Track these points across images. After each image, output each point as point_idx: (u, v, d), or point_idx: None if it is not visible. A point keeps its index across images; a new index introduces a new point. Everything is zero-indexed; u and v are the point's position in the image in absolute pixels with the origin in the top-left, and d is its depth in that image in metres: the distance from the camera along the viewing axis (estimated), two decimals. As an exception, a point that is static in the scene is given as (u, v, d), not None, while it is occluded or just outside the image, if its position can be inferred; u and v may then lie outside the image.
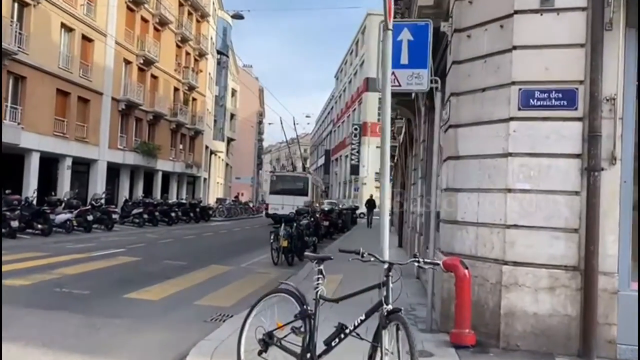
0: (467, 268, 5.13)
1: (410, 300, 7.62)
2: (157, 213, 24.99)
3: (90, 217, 19.40)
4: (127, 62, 31.31)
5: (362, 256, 3.81)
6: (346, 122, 68.99)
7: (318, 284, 4.00)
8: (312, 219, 16.29)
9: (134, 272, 9.85)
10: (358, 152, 58.29)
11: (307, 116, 64.70)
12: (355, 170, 58.49)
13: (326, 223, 20.58)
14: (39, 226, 17.05)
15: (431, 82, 6.03)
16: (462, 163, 5.62)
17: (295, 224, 13.14)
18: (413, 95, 9.75)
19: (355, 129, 58.69)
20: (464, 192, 5.57)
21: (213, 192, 52.30)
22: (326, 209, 22.09)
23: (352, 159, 59.23)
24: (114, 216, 20.99)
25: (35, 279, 8.36)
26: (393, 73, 5.78)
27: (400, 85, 5.88)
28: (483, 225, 5.34)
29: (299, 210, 17.67)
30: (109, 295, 7.64)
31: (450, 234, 5.71)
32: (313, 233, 15.89)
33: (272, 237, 12.25)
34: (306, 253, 5.07)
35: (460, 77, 5.71)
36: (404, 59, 5.82)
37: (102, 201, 21.93)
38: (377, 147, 58.40)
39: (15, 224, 15.53)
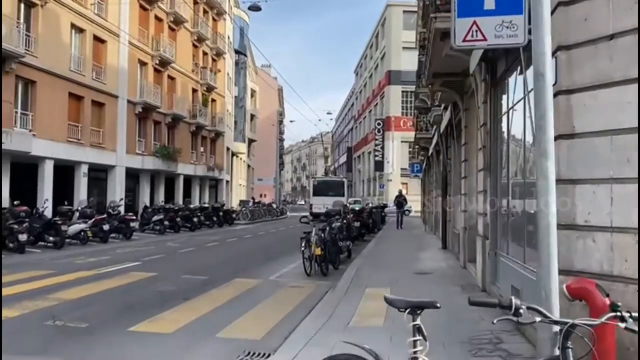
0: (607, 295, 3.50)
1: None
2: (178, 219, 23.73)
3: (106, 227, 18.15)
4: (142, 63, 30.15)
5: (516, 312, 2.06)
6: (368, 118, 67.18)
7: (415, 352, 2.35)
8: (344, 221, 14.74)
9: (146, 293, 8.41)
10: (382, 147, 56.42)
11: (328, 113, 63.26)
12: (379, 166, 56.67)
13: (357, 224, 19.01)
14: (51, 239, 15.89)
15: (529, 32, 4.38)
16: (582, 143, 3.97)
17: (327, 228, 11.60)
18: (472, 69, 8.08)
19: (378, 124, 56.84)
20: (587, 183, 3.93)
21: (236, 195, 51.12)
22: (357, 208, 20.49)
23: (375, 155, 57.39)
24: (132, 224, 19.74)
25: (26, 308, 6.98)
26: (474, 23, 4.16)
27: (485, 40, 4.23)
28: (621, 231, 3.70)
29: (328, 212, 16.12)
30: (112, 328, 6.20)
31: (567, 243, 4.06)
32: (347, 236, 14.36)
33: (302, 244, 10.72)
34: (388, 296, 2.69)
35: (571, 22, 4.07)
36: (490, 3, 4.18)
37: (120, 209, 20.74)
38: (402, 141, 57.01)
39: (23, 237, 14.33)
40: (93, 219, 18.12)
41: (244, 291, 8.80)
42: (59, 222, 15.90)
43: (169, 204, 25.65)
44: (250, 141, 62.44)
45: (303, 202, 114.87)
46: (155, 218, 22.65)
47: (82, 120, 24.57)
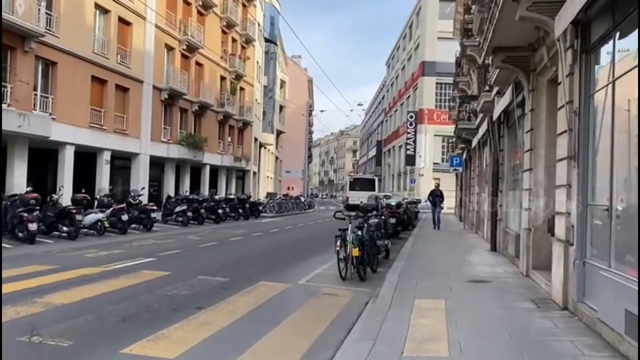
0: None
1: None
2: (202, 210, 22.56)
3: (125, 217, 17.04)
4: (170, 48, 29.11)
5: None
6: (399, 111, 65.19)
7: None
8: (382, 217, 13.21)
9: (153, 299, 7.09)
10: (414, 141, 54.49)
11: (359, 104, 61.54)
12: (411, 160, 54.76)
13: (393, 220, 17.44)
14: (64, 229, 14.83)
15: None
16: None
17: (365, 225, 10.11)
18: (558, 33, 6.44)
19: (411, 117, 54.86)
20: None
21: (263, 187, 50.04)
22: (393, 203, 18.92)
23: (407, 149, 55.49)
24: (153, 215, 18.59)
25: (5, 316, 5.70)
26: None
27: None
28: None
29: (364, 207, 14.62)
30: (100, 348, 4.88)
31: None
32: (385, 235, 12.84)
33: (337, 243, 9.24)
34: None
35: None
36: None
37: (141, 198, 19.67)
38: (435, 135, 54.91)
39: (33, 226, 13.27)
40: (111, 209, 17.08)
41: (268, 299, 7.40)
42: (74, 211, 14.82)
43: (192, 195, 24.51)
44: (279, 133, 61.30)
45: (326, 195, 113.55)
46: (178, 209, 21.53)
47: (105, 105, 23.63)
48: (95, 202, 17.38)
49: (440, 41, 52.13)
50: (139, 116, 26.11)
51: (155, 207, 18.92)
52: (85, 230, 15.93)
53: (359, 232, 9.61)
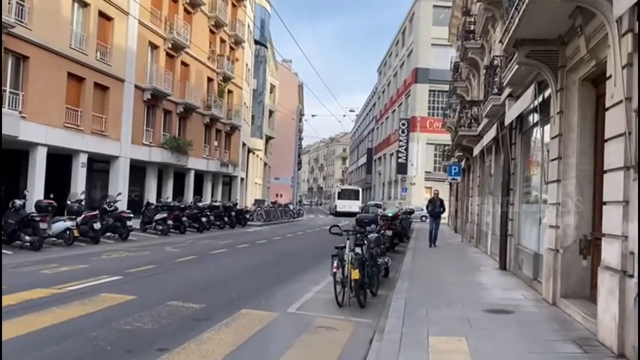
0: None
1: None
2: (184, 218, 21.10)
3: (97, 226, 15.60)
4: (154, 47, 27.66)
5: None
6: (391, 118, 64.17)
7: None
8: (380, 231, 11.89)
9: (106, 337, 5.67)
10: (406, 149, 53.39)
11: (351, 110, 60.15)
12: (402, 169, 53.63)
13: (390, 233, 16.15)
14: (27, 238, 13.34)
15: None
16: None
17: (364, 242, 8.78)
18: (618, 14, 5.16)
19: (403, 124, 53.77)
20: None
21: (251, 193, 48.55)
22: (389, 214, 17.60)
23: (398, 157, 54.37)
24: (129, 223, 17.12)
25: None
26: None
27: None
28: None
29: (360, 219, 13.29)
30: None
31: None
32: (384, 251, 11.52)
33: (334, 264, 7.90)
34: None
35: None
36: None
37: (118, 204, 18.19)
38: (427, 143, 53.81)
39: (-14, 236, 11.78)
40: (82, 216, 15.60)
41: (251, 335, 6.01)
42: (37, 219, 13.33)
43: (174, 202, 23.05)
44: (268, 138, 59.90)
45: (311, 203, 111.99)
46: (157, 217, 20.05)
47: (82, 104, 22.12)
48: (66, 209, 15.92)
49: (433, 47, 51.29)
50: (119, 117, 24.61)
51: (131, 215, 17.44)
52: (53, 239, 14.50)
53: (359, 251, 8.29)
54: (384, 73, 73.36)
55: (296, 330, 6.36)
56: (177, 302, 7.44)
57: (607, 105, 5.90)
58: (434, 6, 51.78)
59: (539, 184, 10.17)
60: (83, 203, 17.18)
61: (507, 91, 12.23)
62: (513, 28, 7.69)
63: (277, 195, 62.67)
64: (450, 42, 35.40)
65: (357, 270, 7.73)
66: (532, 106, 9.94)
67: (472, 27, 19.94)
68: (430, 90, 52.48)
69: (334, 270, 7.83)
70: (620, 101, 5.45)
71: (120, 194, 20.65)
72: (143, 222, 20.58)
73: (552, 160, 8.26)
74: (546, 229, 8.55)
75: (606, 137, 5.90)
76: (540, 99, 9.14)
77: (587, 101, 7.64)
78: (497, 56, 13.73)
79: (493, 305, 7.87)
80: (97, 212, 16.10)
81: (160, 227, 19.86)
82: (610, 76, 5.80)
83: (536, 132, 10.75)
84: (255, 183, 53.52)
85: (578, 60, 7.41)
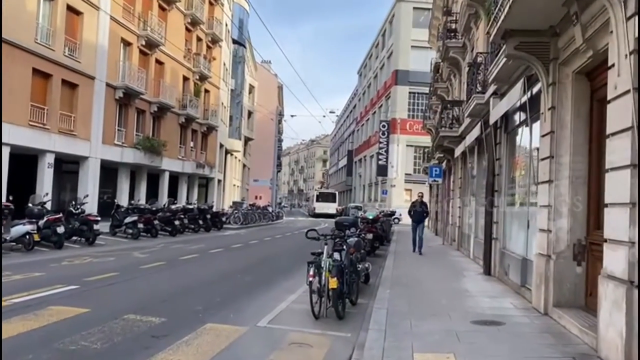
0: None
1: None
2: (156, 221, 20.21)
3: (60, 230, 14.68)
4: (126, 43, 26.67)
5: None
6: (371, 120, 63.84)
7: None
8: (361, 235, 11.25)
9: None
10: (386, 151, 53.10)
11: (331, 112, 59.40)
12: (382, 171, 53.31)
13: (370, 236, 15.57)
14: (-19, 243, 12.36)
15: None
16: None
17: (344, 247, 8.13)
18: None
19: (383, 126, 53.50)
20: None
21: (229, 196, 47.60)
22: (370, 216, 17.01)
23: (379, 159, 54.05)
24: (96, 227, 16.21)
25: None
26: None
27: None
28: None
29: (340, 222, 12.66)
30: None
31: None
32: (365, 255, 10.91)
33: (310, 272, 7.23)
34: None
35: None
36: None
37: (85, 207, 17.27)
38: (407, 145, 53.49)
39: None
40: (45, 219, 14.65)
41: (214, 355, 5.31)
42: (-9, 223, 12.39)
43: (146, 204, 22.14)
44: (247, 139, 59.01)
45: (289, 205, 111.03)
46: (128, 220, 19.12)
47: (49, 102, 21.09)
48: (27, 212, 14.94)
49: (413, 50, 51.11)
50: (89, 116, 23.59)
51: (98, 218, 16.54)
52: (12, 244, 13.58)
53: (337, 257, 7.65)
54: (364, 75, 73.07)
55: (266, 348, 5.68)
56: (135, 316, 6.69)
57: (609, 97, 5.36)
58: (414, 8, 51.63)
59: (526, 185, 9.67)
60: (47, 206, 16.23)
61: (491, 89, 11.75)
62: (502, 17, 7.15)
63: (256, 198, 61.75)
64: (431, 44, 35.13)
65: (335, 279, 7.08)
66: (520, 102, 9.44)
67: (453, 26, 19.52)
68: (410, 92, 52.25)
69: (310, 278, 7.17)
70: (626, 92, 4.91)
71: (87, 196, 19.68)
72: (113, 226, 19.63)
73: (543, 159, 7.72)
74: (536, 233, 8.02)
75: (608, 132, 5.36)
76: (529, 94, 8.62)
77: (581, 96, 7.13)
78: (480, 53, 13.27)
79: (481, 315, 7.30)
80: (60, 215, 15.15)
81: (131, 231, 18.97)
82: (612, 65, 5.27)
83: (522, 131, 10.27)
84: (234, 185, 52.58)
85: (572, 52, 6.89)
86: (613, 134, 5.23)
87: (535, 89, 8.65)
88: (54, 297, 7.62)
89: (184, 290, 9.04)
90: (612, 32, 5.24)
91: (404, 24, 52.50)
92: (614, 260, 5.10)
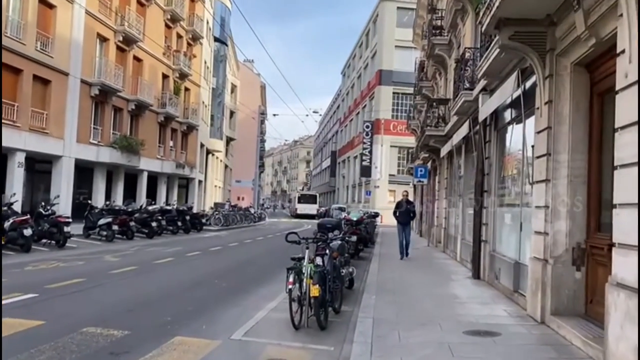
0: None
1: None
2: (132, 223, 19.43)
3: (27, 232, 13.87)
4: (103, 39, 25.80)
5: None
6: (355, 121, 63.48)
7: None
8: (344, 237, 10.66)
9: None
10: (370, 152, 52.78)
11: (314, 111, 58.73)
12: (366, 172, 52.96)
13: (354, 238, 15.03)
14: (-63, 247, 11.56)
15: None
16: None
17: (327, 252, 7.56)
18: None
19: (367, 127, 53.17)
20: None
21: (210, 197, 46.75)
22: (354, 218, 16.48)
23: (362, 160, 53.73)
24: (66, 229, 15.42)
25: None
26: None
27: None
28: None
29: (323, 224, 12.12)
30: None
31: None
32: (349, 259, 10.35)
33: (290, 279, 6.65)
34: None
35: None
36: None
37: (54, 208, 16.45)
38: (391, 146, 53.17)
39: None
40: (10, 222, 13.84)
41: (180, 375, 4.70)
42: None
43: (123, 205, 21.34)
44: (229, 139, 58.15)
45: (272, 206, 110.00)
46: (101, 222, 18.31)
47: (19, 99, 20.19)
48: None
49: (397, 50, 50.85)
50: (62, 113, 22.69)
51: (69, 220, 15.76)
52: (-27, 248, 12.72)
53: (319, 262, 7.08)
54: (348, 75, 72.69)
55: (239, 365, 5.08)
56: (95, 329, 6.03)
57: (618, 87, 4.87)
58: (398, 8, 51.38)
59: (519, 184, 9.20)
60: (15, 207, 15.42)
61: (480, 85, 11.31)
62: (497, 4, 6.65)
63: (238, 199, 60.94)
64: (415, 44, 34.81)
65: (317, 286, 6.51)
66: (512, 98, 8.97)
67: (439, 23, 19.11)
68: (394, 93, 51.97)
69: (290, 286, 6.58)
70: (639, 80, 4.42)
71: (58, 196, 18.82)
72: (86, 228, 18.82)
73: (539, 157, 7.24)
74: (531, 236, 7.54)
75: (617, 125, 4.86)
76: (522, 88, 8.14)
77: (580, 89, 6.66)
78: (468, 48, 12.82)
79: (474, 324, 6.78)
80: (27, 216, 14.34)
81: (105, 233, 18.17)
82: (622, 51, 4.78)
83: (513, 129, 9.81)
84: (215, 186, 51.72)
85: (572, 41, 6.41)
86: (623, 128, 4.74)
87: (529, 83, 8.20)
88: (7, 308, 6.90)
89: (154, 298, 8.38)
90: (621, 15, 4.75)
91: (387, 23, 52.23)
92: (625, 266, 4.60)
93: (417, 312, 7.57)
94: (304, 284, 6.66)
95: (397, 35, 50.25)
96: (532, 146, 7.67)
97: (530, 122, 8.06)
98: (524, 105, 7.92)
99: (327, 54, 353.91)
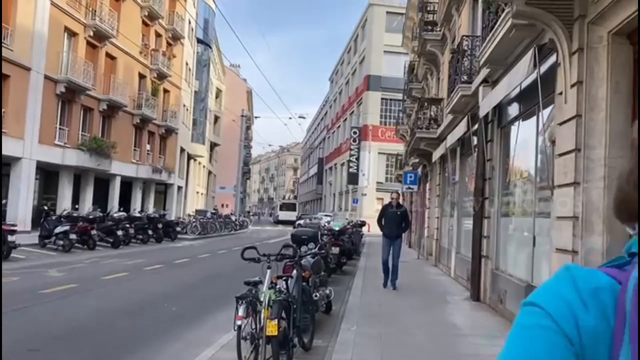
0: None
1: None
2: (94, 231, 17.64)
3: (-38, 242, 12.08)
4: (72, 33, 24.06)
5: None
6: (342, 127, 62.10)
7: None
8: (322, 251, 9.02)
9: None
10: (357, 159, 51.29)
11: (301, 117, 57.21)
12: (353, 179, 51.46)
13: (336, 250, 13.44)
14: None
15: None
16: None
17: (295, 273, 5.94)
18: None
19: (355, 133, 51.71)
20: None
21: (191, 203, 44.88)
22: (336, 228, 14.86)
23: (350, 167, 52.22)
24: (11, 238, 13.62)
25: None
26: None
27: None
28: None
29: (297, 235, 10.47)
30: None
31: None
32: (326, 278, 8.71)
33: (240, 310, 5.00)
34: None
35: None
36: None
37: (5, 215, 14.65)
38: (379, 152, 51.77)
39: None
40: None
41: None
42: None
43: (87, 212, 19.55)
44: (213, 145, 56.38)
45: (255, 214, 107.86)
46: (58, 230, 16.53)
47: (-29, 94, 18.31)
48: None
49: (386, 55, 49.66)
50: (22, 111, 20.87)
51: (15, 227, 13.95)
52: None
53: (282, 286, 5.45)
54: (336, 81, 71.37)
55: None
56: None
57: None
58: (387, 12, 50.28)
59: (530, 189, 7.67)
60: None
61: (481, 76, 9.82)
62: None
63: (222, 206, 59.07)
64: (405, 47, 33.47)
65: (276, 322, 4.87)
66: (520, 88, 7.46)
67: (432, 17, 17.71)
68: (382, 99, 50.71)
69: (239, 321, 4.94)
70: None
71: (5, 202, 16.99)
72: (41, 236, 17.03)
73: (563, 154, 5.70)
74: (551, 254, 5.99)
75: None
76: (537, 72, 6.60)
77: (621, 65, 5.14)
78: (466, 36, 11.34)
79: (481, 369, 5.19)
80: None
81: (61, 242, 16.38)
82: None
83: (519, 125, 8.31)
84: (197, 192, 49.87)
85: (610, 4, 4.90)
86: None
87: (544, 67, 6.68)
88: None
89: (76, 329, 6.66)
90: None
91: (376, 28, 51.07)
92: None
93: (407, 351, 5.96)
94: (261, 318, 5.03)
95: (386, 40, 49.09)
96: (553, 141, 6.13)
97: (547, 112, 6.55)
98: (541, 91, 6.38)
99: (317, 63, 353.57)
